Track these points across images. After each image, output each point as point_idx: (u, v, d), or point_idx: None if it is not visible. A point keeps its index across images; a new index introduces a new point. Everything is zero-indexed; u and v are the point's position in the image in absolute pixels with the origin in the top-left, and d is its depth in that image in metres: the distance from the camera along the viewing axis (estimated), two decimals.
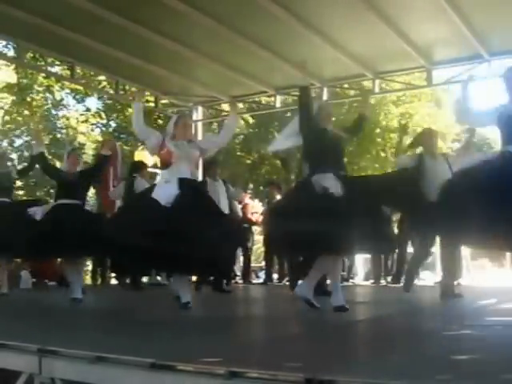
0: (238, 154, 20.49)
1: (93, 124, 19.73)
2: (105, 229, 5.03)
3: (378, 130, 18.74)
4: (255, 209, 10.45)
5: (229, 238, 4.91)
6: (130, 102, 5.89)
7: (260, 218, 10.04)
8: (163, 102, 12.79)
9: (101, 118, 19.64)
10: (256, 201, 11.14)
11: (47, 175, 6.94)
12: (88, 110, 19.70)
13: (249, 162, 20.63)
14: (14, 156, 17.51)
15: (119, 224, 4.93)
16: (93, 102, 19.95)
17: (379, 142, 19.17)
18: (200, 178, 7.72)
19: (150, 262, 4.94)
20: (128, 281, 8.52)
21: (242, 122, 19.63)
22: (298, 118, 5.21)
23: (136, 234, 4.50)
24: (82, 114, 19.62)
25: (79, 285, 6.19)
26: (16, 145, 19.07)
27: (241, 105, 13.05)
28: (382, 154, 19.38)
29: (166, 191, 4.84)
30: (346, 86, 11.86)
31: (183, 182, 4.94)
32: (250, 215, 10.19)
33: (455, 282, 8.59)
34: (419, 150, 6.73)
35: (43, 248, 5.85)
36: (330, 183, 4.68)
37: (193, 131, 5.50)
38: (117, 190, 8.78)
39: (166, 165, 5.16)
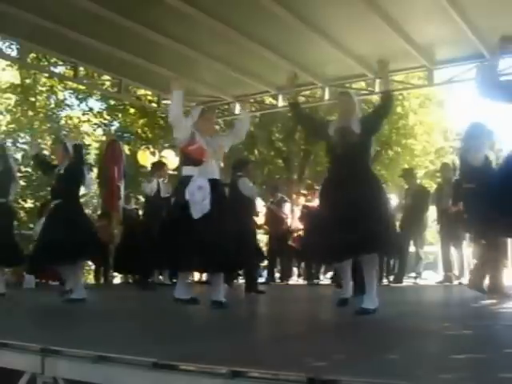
0: (242, 153, 20.53)
1: (95, 124, 19.74)
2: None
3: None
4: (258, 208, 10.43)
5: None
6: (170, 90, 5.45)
7: (262, 218, 10.04)
8: (166, 102, 12.79)
9: (102, 117, 19.64)
10: (258, 200, 11.11)
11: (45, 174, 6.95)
12: (91, 109, 19.73)
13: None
14: (18, 156, 17.58)
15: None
16: (95, 102, 19.99)
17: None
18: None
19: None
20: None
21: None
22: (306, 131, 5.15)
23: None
24: (84, 114, 19.62)
25: (79, 284, 6.19)
26: (20, 144, 19.12)
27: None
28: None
29: (200, 203, 4.82)
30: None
31: (215, 186, 4.97)
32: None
33: (457, 282, 8.61)
34: None
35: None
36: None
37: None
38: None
39: (195, 162, 5.00)
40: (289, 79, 5.55)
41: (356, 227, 4.20)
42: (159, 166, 9.17)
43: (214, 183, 4.96)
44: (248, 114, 6.02)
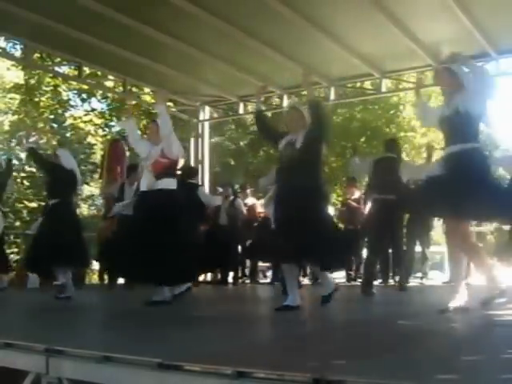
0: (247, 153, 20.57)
1: (96, 125, 19.72)
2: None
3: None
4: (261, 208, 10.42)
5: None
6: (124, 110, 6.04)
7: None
8: (168, 102, 12.78)
9: (105, 118, 19.64)
10: (262, 200, 11.10)
11: (41, 169, 7.09)
12: (93, 110, 19.73)
13: (255, 161, 20.66)
14: (22, 155, 17.61)
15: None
16: (98, 103, 19.99)
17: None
18: None
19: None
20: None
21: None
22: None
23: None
24: (86, 114, 19.61)
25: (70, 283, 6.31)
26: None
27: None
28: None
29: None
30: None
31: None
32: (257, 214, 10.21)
33: (464, 282, 8.56)
34: None
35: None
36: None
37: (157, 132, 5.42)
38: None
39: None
40: (304, 76, 5.78)
41: (298, 236, 4.60)
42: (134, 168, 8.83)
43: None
44: (162, 106, 5.47)
